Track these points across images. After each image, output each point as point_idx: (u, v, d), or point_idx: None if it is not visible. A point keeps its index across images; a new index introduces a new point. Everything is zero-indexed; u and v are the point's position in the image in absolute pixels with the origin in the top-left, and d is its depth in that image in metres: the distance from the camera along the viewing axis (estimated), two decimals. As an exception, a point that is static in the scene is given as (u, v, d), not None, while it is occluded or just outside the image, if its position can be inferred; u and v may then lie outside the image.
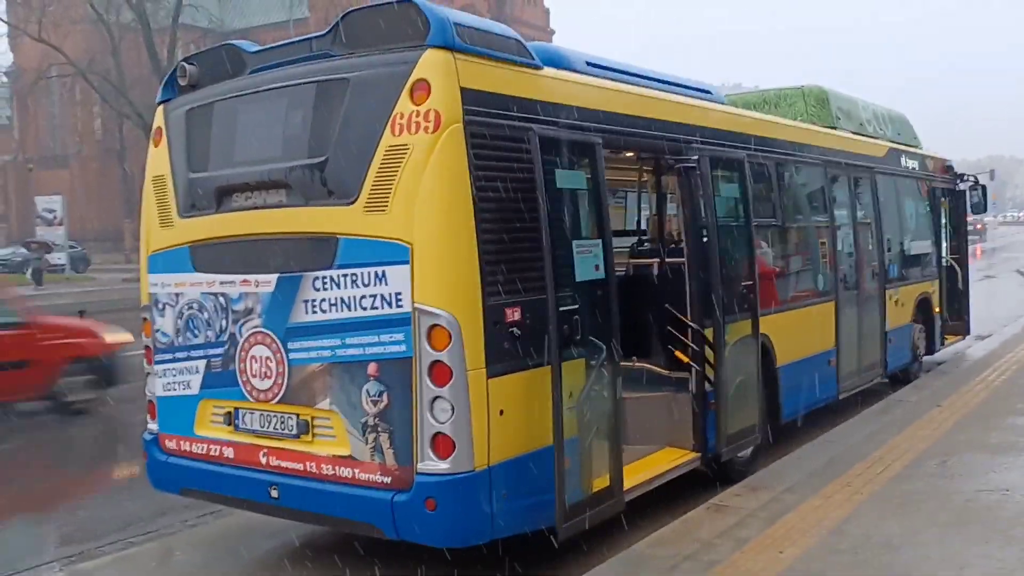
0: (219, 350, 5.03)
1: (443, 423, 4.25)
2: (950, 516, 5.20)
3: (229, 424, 5.02)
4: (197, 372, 5.16)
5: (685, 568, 4.56)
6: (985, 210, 12.99)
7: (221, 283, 4.99)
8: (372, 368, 4.40)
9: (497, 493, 4.39)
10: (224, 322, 4.99)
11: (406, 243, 4.28)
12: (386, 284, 4.34)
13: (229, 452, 5.01)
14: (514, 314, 4.51)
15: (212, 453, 5.10)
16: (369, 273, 4.38)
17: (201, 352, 5.13)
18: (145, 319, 5.52)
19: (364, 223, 4.39)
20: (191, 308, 5.18)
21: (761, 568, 4.52)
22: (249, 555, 5.68)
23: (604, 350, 4.94)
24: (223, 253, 5.00)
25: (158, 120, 5.51)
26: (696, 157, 5.95)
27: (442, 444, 4.25)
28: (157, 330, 5.41)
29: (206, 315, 5.09)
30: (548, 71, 4.99)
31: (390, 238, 4.32)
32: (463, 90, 4.35)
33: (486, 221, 4.39)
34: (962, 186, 12.09)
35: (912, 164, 10.43)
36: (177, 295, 5.26)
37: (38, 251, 32.05)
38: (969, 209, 12.57)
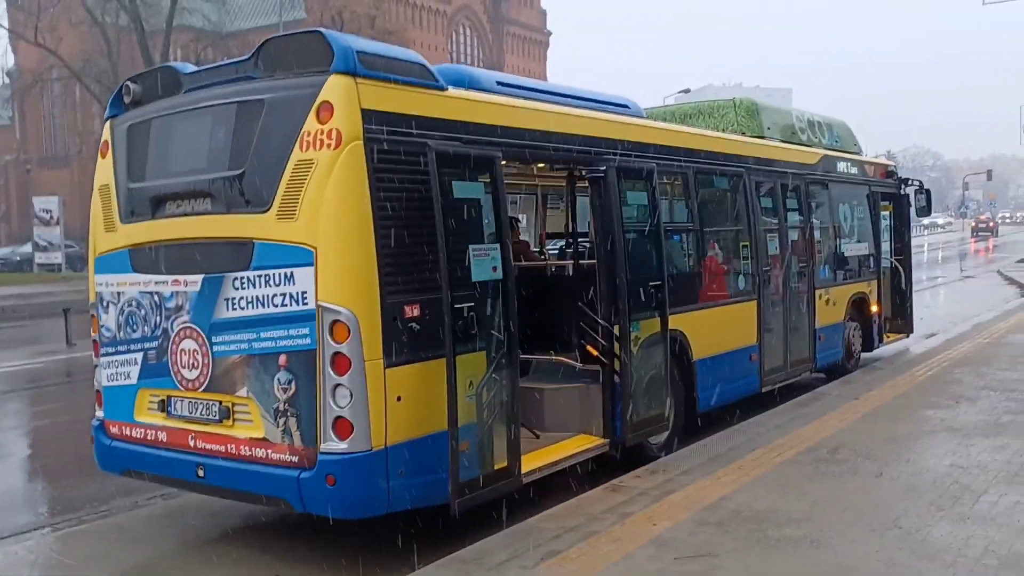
0: (154, 344, 5.57)
1: (343, 408, 4.78)
2: (822, 494, 5.72)
3: (163, 411, 5.56)
4: (136, 364, 5.70)
5: (566, 538, 5.08)
6: (929, 213, 13.49)
7: (155, 283, 5.53)
8: (282, 359, 4.94)
9: (394, 471, 4.92)
10: (158, 318, 5.53)
11: (311, 247, 4.81)
12: (294, 284, 4.87)
13: (163, 436, 5.54)
14: (412, 311, 5.04)
15: (149, 437, 5.64)
16: (280, 274, 4.92)
17: (139, 346, 5.67)
18: (93, 316, 6.07)
19: (276, 229, 4.93)
20: (130, 306, 5.72)
21: (631, 537, 5.04)
22: (192, 531, 6.21)
23: (503, 344, 5.46)
24: (157, 256, 5.54)
25: (105, 134, 6.05)
26: (604, 167, 6.46)
27: (342, 426, 4.79)
28: (102, 326, 5.95)
29: (143, 312, 5.63)
30: (452, 91, 5.52)
31: (297, 243, 4.85)
32: (364, 111, 4.88)
33: (385, 228, 4.91)
34: (907, 190, 12.57)
35: (849, 170, 10.93)
36: (119, 294, 5.80)
37: None
38: (914, 212, 13.08)
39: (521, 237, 8.53)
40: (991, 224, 66.11)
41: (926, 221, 74.73)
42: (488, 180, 5.49)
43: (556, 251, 8.79)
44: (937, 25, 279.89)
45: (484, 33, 72.34)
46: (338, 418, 4.79)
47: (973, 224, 70.99)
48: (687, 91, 52.30)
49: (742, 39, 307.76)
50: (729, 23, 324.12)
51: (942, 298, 22.33)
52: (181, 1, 38.56)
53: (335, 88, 4.83)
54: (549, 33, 79.04)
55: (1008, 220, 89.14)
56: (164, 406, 5.55)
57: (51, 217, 37.98)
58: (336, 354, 4.78)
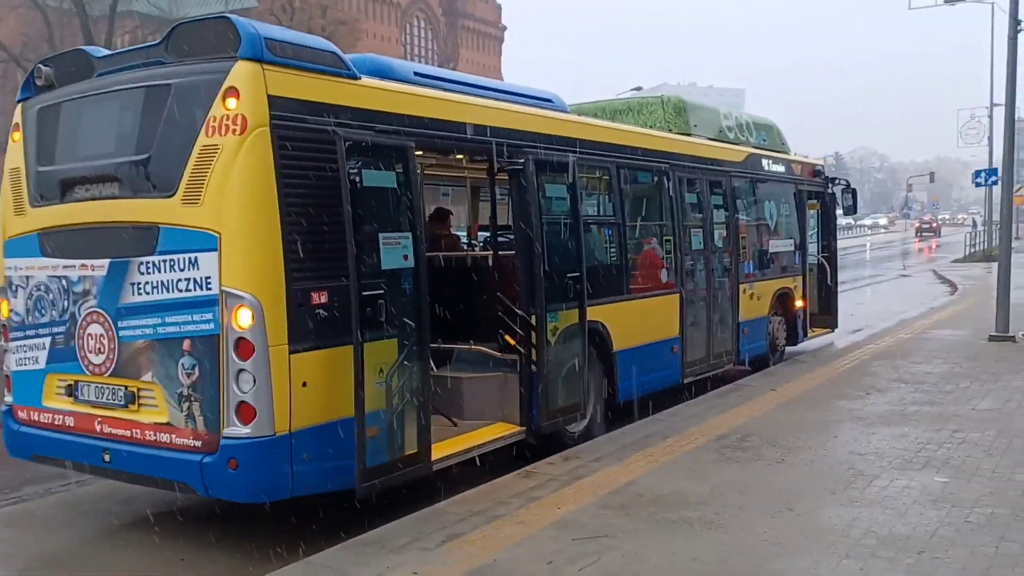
0: (62, 328, 5.53)
1: (246, 393, 4.81)
2: (724, 479, 5.91)
3: (70, 395, 5.53)
4: (44, 348, 5.66)
5: (471, 521, 5.19)
6: (855, 212, 13.87)
7: (64, 267, 5.50)
8: (187, 344, 4.95)
9: (298, 456, 4.97)
10: (66, 303, 5.49)
11: (215, 232, 4.83)
12: (198, 269, 4.88)
13: (70, 421, 5.52)
14: (320, 297, 5.09)
15: (56, 422, 5.60)
16: (184, 259, 4.93)
17: (47, 330, 5.63)
18: (2, 300, 5.99)
19: (181, 214, 4.93)
20: (39, 290, 5.67)
21: (534, 520, 5.17)
22: (104, 517, 6.18)
23: (414, 332, 5.54)
24: (65, 240, 5.50)
25: (17, 117, 5.97)
26: (523, 160, 6.56)
27: (245, 411, 4.82)
28: (12, 310, 5.89)
29: (51, 296, 5.59)
30: (364, 80, 5.56)
31: (202, 228, 4.86)
32: (271, 97, 4.90)
33: (291, 214, 4.95)
34: (834, 189, 12.92)
35: (776, 168, 11.21)
36: (28, 278, 5.74)
37: None
38: (841, 211, 13.45)
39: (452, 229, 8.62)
40: (935, 225, 68.90)
41: (868, 221, 77.31)
42: (401, 170, 5.55)
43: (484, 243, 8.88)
44: (886, 30, 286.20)
45: (438, 26, 72.16)
46: (241, 403, 4.82)
47: (917, 225, 73.22)
48: (639, 89, 52.69)
49: (698, 39, 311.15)
50: (686, 22, 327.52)
51: (875, 295, 22.92)
52: (127, -13, 37.81)
53: (241, 74, 4.85)
54: (504, 28, 79.16)
55: (948, 221, 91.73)
56: (71, 391, 5.52)
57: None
58: (239, 339, 4.80)
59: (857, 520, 5.03)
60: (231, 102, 4.83)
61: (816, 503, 5.38)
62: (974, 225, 49.69)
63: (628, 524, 5.08)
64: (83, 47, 5.97)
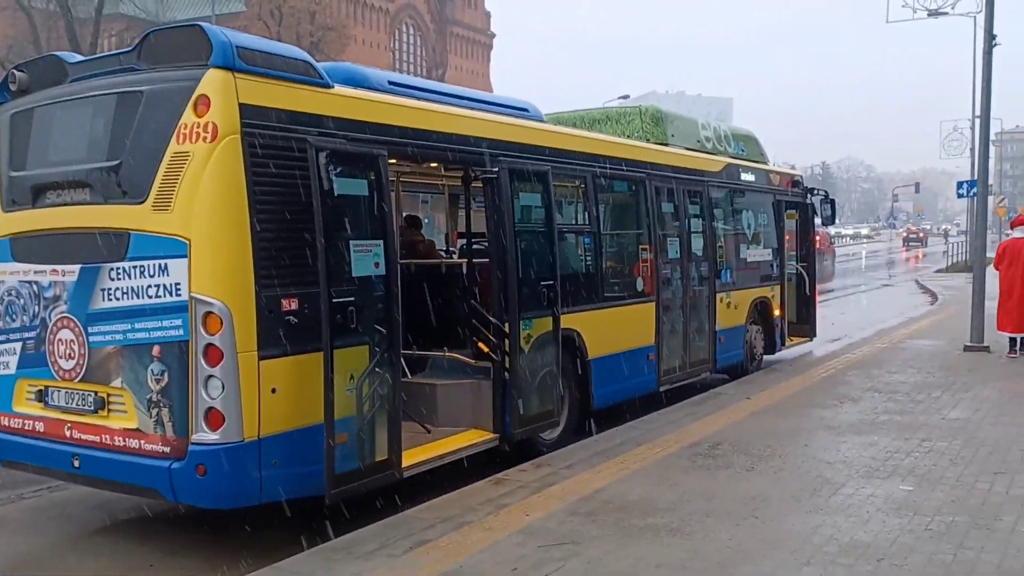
0: (32, 333, 5.54)
1: (215, 399, 4.83)
2: (692, 486, 5.96)
3: (40, 401, 5.54)
4: (15, 353, 5.66)
5: (439, 527, 5.22)
6: (834, 222, 14.01)
7: (35, 272, 5.51)
8: (156, 350, 4.97)
9: (267, 462, 4.99)
10: (37, 308, 5.51)
11: (185, 239, 4.86)
12: (168, 275, 4.91)
13: (40, 426, 5.52)
14: (290, 304, 5.12)
15: (27, 428, 5.60)
16: (154, 265, 4.95)
17: (18, 335, 5.63)
18: (-27, 305, 5.98)
19: (152, 220, 4.96)
20: (10, 295, 5.68)
21: (502, 526, 5.20)
22: (75, 523, 6.18)
23: (385, 339, 5.56)
24: (37, 245, 5.52)
25: (-10, 122, 5.97)
26: (496, 169, 6.62)
27: (214, 417, 4.84)
28: (-18, 315, 5.88)
29: (22, 301, 5.60)
30: (337, 89, 5.61)
31: (172, 234, 4.89)
32: (242, 105, 4.94)
33: (262, 222, 4.98)
34: (812, 199, 13.03)
35: (754, 178, 11.31)
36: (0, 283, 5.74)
37: None
38: (820, 221, 13.57)
39: (426, 236, 8.66)
40: (921, 235, 69.85)
41: (850, 231, 77.94)
42: (372, 177, 5.58)
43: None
44: (874, 41, 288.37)
45: (427, 32, 72.24)
46: (210, 409, 4.84)
47: (904, 234, 73.90)
48: (626, 97, 52.94)
49: (687, 49, 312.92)
50: (676, 31, 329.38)
51: (856, 305, 23.10)
52: (113, -10, 37.79)
53: (212, 82, 4.89)
54: (492, 35, 79.31)
55: (935, 231, 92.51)
56: (41, 396, 5.53)
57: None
58: (208, 345, 4.83)
59: (820, 527, 5.09)
60: (202, 110, 4.87)
61: (781, 510, 5.44)
62: (946, 237, 50.09)
63: (594, 531, 5.12)
64: (57, 52, 5.98)
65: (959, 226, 63.58)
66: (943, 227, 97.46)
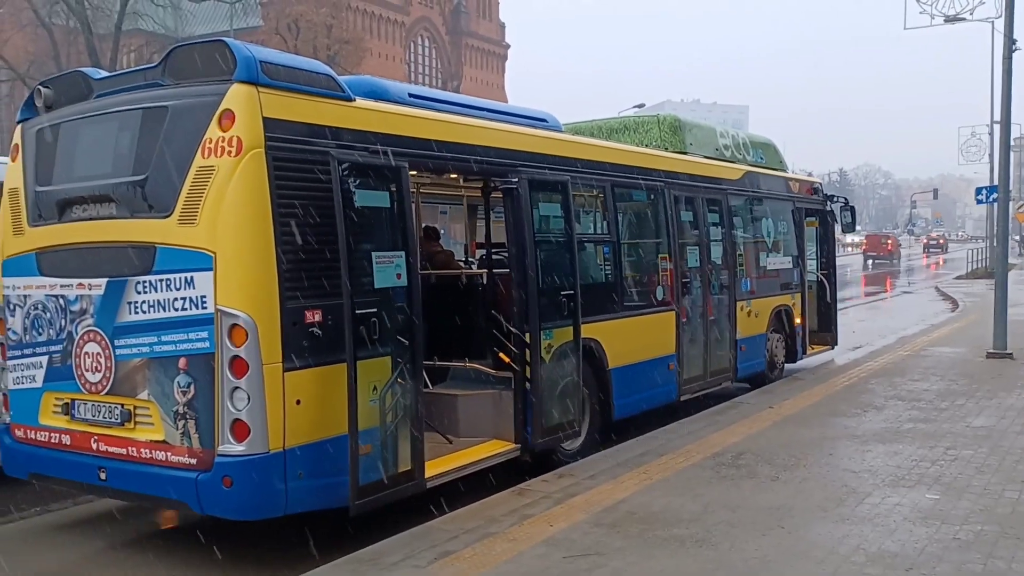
0: (59, 347, 5.59)
1: (240, 410, 4.86)
2: (716, 496, 5.93)
3: (67, 414, 5.58)
4: (41, 367, 5.72)
5: (463, 538, 5.22)
6: (854, 229, 13.94)
7: (61, 286, 5.57)
8: (182, 362, 5.01)
9: (292, 473, 5.01)
10: (63, 321, 5.56)
11: (210, 252, 4.90)
12: (194, 288, 4.95)
13: (67, 439, 5.57)
14: (314, 316, 5.15)
15: (53, 440, 5.65)
16: (180, 278, 5.00)
17: (44, 349, 5.69)
18: (0, 319, 6.06)
19: (177, 234, 5.01)
20: (36, 309, 5.74)
21: (526, 537, 5.20)
22: (101, 536, 6.21)
23: (407, 350, 5.58)
24: (63, 259, 5.57)
25: (16, 137, 6.06)
26: (516, 179, 6.64)
27: (239, 429, 4.87)
28: (9, 329, 5.95)
29: (49, 315, 5.66)
30: (359, 102, 5.65)
31: (198, 247, 4.93)
32: (266, 119, 4.99)
33: (286, 234, 5.02)
34: (832, 207, 12.97)
35: (773, 186, 11.27)
36: (25, 297, 5.81)
37: None
38: (840, 228, 13.51)
39: (445, 247, 8.68)
40: (941, 241, 69.49)
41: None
42: (394, 189, 5.61)
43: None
44: (891, 47, 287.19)
45: (442, 45, 72.58)
46: (236, 420, 4.87)
47: (925, 241, 73.47)
48: (642, 106, 52.94)
49: (702, 56, 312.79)
50: (690, 37, 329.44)
51: (877, 312, 22.93)
52: (133, 6, 38.14)
53: (237, 97, 4.94)
54: (507, 46, 79.57)
55: (953, 238, 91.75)
56: (68, 409, 5.57)
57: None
58: (234, 357, 4.86)
59: (846, 537, 5.05)
60: (227, 124, 4.92)
61: (807, 520, 5.40)
62: (926, 246, 50.06)
63: (618, 542, 5.10)
64: (82, 68, 6.06)
65: (964, 234, 63.81)
66: (961, 232, 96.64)
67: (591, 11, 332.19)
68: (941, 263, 49.79)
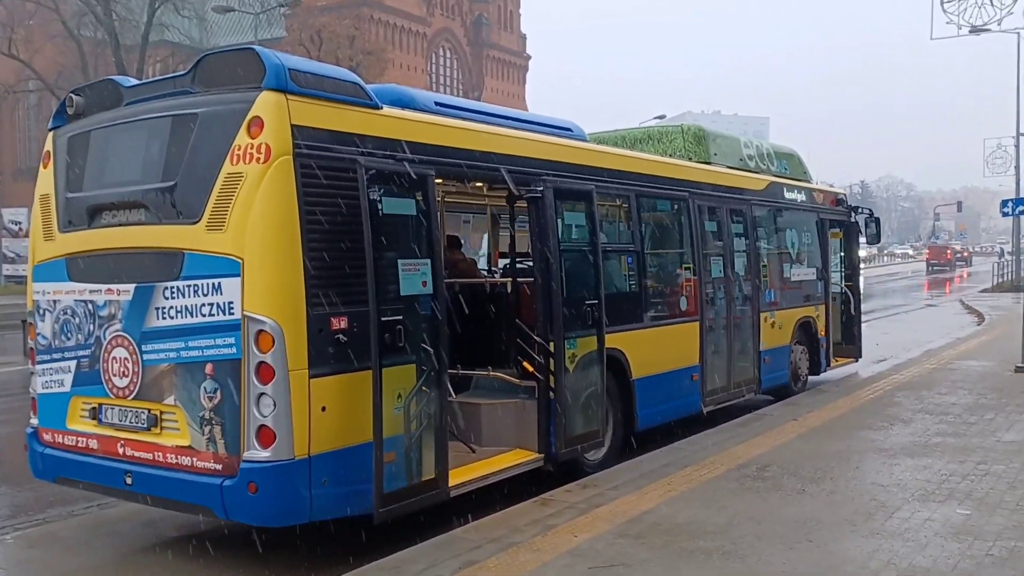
0: (87, 351, 5.63)
1: (266, 417, 4.86)
2: (742, 508, 5.86)
3: (94, 418, 5.61)
4: (69, 371, 5.76)
5: (487, 548, 5.18)
6: (879, 240, 13.80)
7: (90, 291, 5.61)
8: (209, 368, 5.02)
9: (317, 480, 5.00)
10: (92, 326, 5.60)
11: (238, 258, 4.91)
12: (221, 294, 4.97)
13: (94, 444, 5.60)
14: (339, 323, 5.15)
15: (80, 445, 5.68)
16: (208, 284, 5.01)
17: (72, 353, 5.73)
18: (30, 324, 6.12)
19: (205, 240, 5.03)
20: (66, 314, 5.78)
21: (550, 547, 5.15)
22: (125, 540, 6.25)
23: (432, 357, 5.57)
24: (92, 265, 5.62)
25: (48, 145, 6.13)
26: (541, 188, 6.62)
27: (265, 435, 4.87)
28: (39, 333, 6.00)
29: (77, 320, 5.70)
30: (385, 110, 5.66)
31: (225, 254, 4.95)
32: (294, 127, 5.01)
33: (313, 241, 5.03)
34: (857, 218, 12.86)
35: (797, 197, 11.19)
36: (55, 302, 5.86)
37: None
38: (864, 240, 13.38)
39: (467, 256, 8.68)
40: (965, 254, 69.01)
41: (898, 250, 77.49)
42: (420, 197, 5.62)
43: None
44: (913, 58, 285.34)
45: (464, 56, 72.93)
46: (261, 427, 4.87)
47: (928, 255, 72.77)
48: (662, 117, 52.84)
49: (722, 67, 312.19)
50: (709, 47, 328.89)
51: (901, 325, 22.66)
52: (159, 17, 38.68)
53: (266, 104, 4.96)
54: (528, 57, 79.82)
55: (978, 251, 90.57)
56: (95, 414, 5.60)
57: (20, 229, 37.73)
58: (261, 364, 4.87)
59: (877, 552, 4.97)
60: (255, 131, 4.94)
61: (835, 534, 5.32)
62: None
63: (644, 553, 5.05)
64: (112, 76, 6.12)
65: (1005, 245, 63.23)
66: (979, 246, 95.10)
67: (607, 20, 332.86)
68: (965, 276, 49.56)
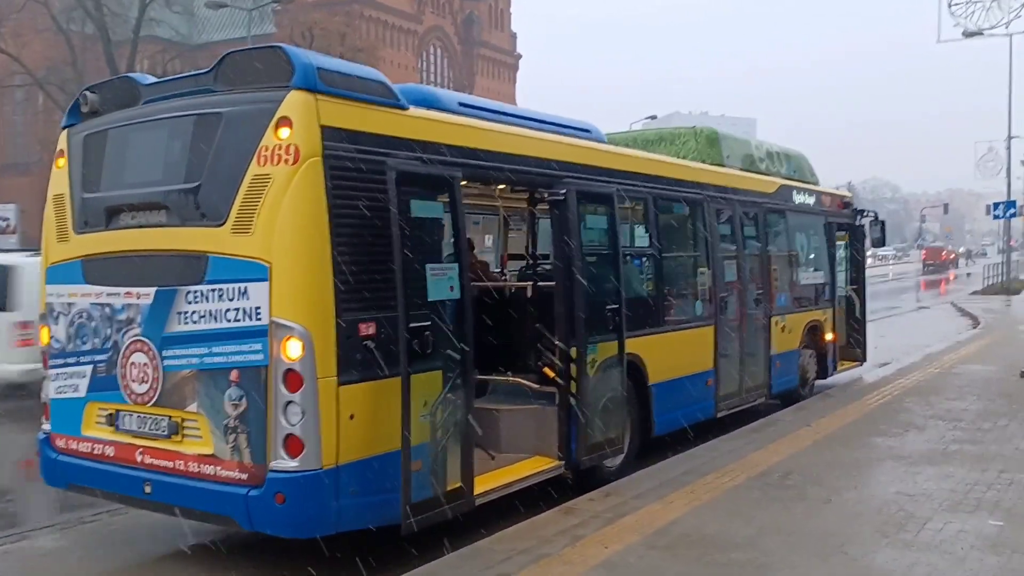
0: (104, 356, 5.47)
1: (294, 425, 4.73)
2: (770, 519, 5.78)
3: (111, 425, 5.46)
4: (84, 376, 5.60)
5: (517, 560, 5.07)
6: (884, 244, 13.78)
7: (108, 294, 5.45)
8: (234, 375, 4.88)
9: (344, 490, 4.88)
10: (109, 330, 5.44)
11: (265, 262, 4.78)
12: (248, 299, 4.83)
13: (110, 451, 5.44)
14: (368, 329, 5.02)
15: (96, 452, 5.53)
16: (234, 288, 4.88)
17: (88, 358, 5.57)
18: (42, 326, 5.95)
19: (231, 243, 4.89)
20: (81, 317, 5.62)
21: (581, 559, 5.05)
22: (135, 548, 6.10)
23: (458, 364, 5.46)
24: (110, 267, 5.46)
25: (61, 143, 5.96)
26: (564, 191, 6.52)
27: (293, 444, 4.74)
28: (52, 337, 5.84)
29: (94, 324, 5.54)
30: (413, 111, 5.54)
31: (252, 257, 4.81)
32: (323, 127, 4.87)
33: (342, 245, 4.90)
34: (862, 221, 12.83)
35: (806, 199, 11.13)
36: (70, 304, 5.70)
37: None
38: (869, 243, 13.36)
39: (479, 258, 8.55)
40: (953, 256, 69.46)
41: (881, 252, 78.43)
42: (447, 200, 5.51)
43: (516, 273, 8.82)
44: (899, 60, 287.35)
45: (455, 54, 72.66)
46: (289, 435, 4.74)
47: (924, 255, 73.19)
48: (654, 118, 52.91)
49: (709, 67, 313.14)
50: (697, 49, 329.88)
51: (896, 328, 22.68)
52: (149, 12, 38.29)
53: (295, 104, 4.83)
54: (519, 56, 79.62)
55: (962, 251, 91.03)
56: (112, 420, 5.45)
57: (7, 225, 37.10)
58: (288, 371, 4.73)
59: (915, 565, 4.89)
60: (284, 132, 4.81)
61: (869, 546, 5.24)
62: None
63: (678, 566, 4.96)
64: (130, 74, 5.97)
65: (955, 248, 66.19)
66: (964, 248, 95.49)
67: (594, 21, 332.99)
68: (952, 279, 50.08)
